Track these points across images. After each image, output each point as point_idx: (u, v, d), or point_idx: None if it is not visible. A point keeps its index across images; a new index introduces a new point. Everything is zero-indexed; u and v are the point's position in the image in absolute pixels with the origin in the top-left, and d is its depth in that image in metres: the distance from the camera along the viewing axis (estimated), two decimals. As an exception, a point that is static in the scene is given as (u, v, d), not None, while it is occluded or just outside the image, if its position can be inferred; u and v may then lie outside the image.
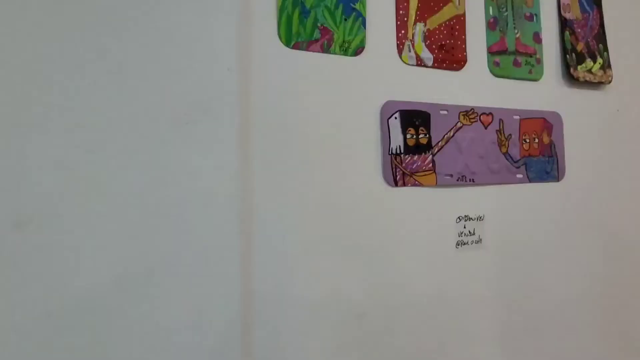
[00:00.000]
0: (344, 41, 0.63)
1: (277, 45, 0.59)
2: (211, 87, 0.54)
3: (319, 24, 0.61)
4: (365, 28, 0.65)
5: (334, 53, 0.63)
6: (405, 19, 0.68)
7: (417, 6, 0.69)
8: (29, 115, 0.47)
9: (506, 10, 0.78)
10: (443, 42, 0.71)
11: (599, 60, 0.86)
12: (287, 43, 0.60)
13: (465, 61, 0.73)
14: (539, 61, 0.80)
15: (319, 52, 0.62)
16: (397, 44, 0.67)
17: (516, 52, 0.78)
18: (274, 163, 0.58)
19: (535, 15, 0.80)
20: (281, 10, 0.59)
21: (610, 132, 0.88)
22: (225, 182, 0.55)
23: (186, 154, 0.53)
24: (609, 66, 0.87)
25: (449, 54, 0.71)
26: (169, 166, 0.52)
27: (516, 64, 0.78)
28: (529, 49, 0.79)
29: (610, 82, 0.87)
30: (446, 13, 0.72)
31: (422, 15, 0.69)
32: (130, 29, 0.52)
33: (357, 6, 0.64)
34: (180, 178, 0.53)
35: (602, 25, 0.88)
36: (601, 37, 0.88)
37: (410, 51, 0.68)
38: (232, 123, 0.55)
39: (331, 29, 0.62)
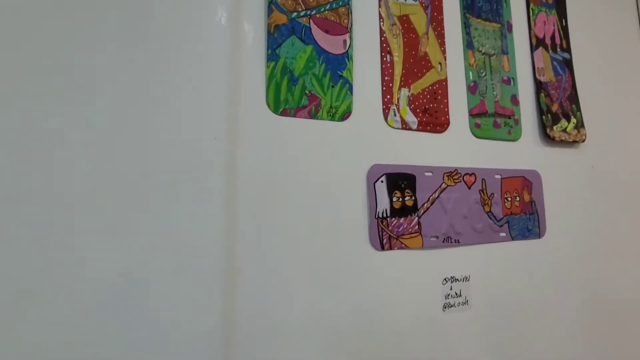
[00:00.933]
0: (331, 107, 0.64)
1: (265, 113, 0.59)
2: (198, 156, 0.54)
3: (306, 91, 0.62)
4: (352, 94, 0.66)
5: (321, 118, 0.63)
6: (391, 84, 0.70)
7: (402, 72, 0.71)
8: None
9: (485, 75, 0.81)
10: (427, 106, 0.73)
11: (573, 120, 0.90)
12: (275, 110, 0.60)
13: (448, 124, 0.74)
14: (517, 122, 0.83)
15: (306, 118, 0.62)
16: (383, 108, 0.69)
17: (495, 114, 0.80)
18: (260, 231, 0.56)
19: (513, 79, 0.84)
20: (270, 78, 0.60)
21: (586, 187, 0.91)
22: (212, 251, 0.53)
23: (173, 223, 0.51)
24: (582, 125, 0.91)
25: (432, 117, 0.73)
26: (154, 237, 0.50)
27: (496, 125, 0.80)
28: (507, 111, 0.82)
29: (584, 140, 0.90)
30: (429, 78, 0.74)
31: (407, 80, 0.71)
32: (118, 99, 0.51)
33: (345, 73, 0.65)
34: (165, 248, 0.51)
35: (574, 87, 0.93)
36: (574, 98, 0.92)
37: (395, 115, 0.69)
38: (219, 192, 0.54)
39: (319, 96, 0.63)
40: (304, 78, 0.62)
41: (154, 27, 0.54)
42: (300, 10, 0.63)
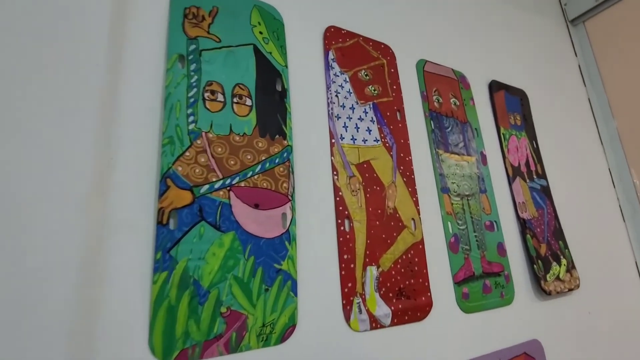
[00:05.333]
0: (263, 325, 0.39)
1: (145, 367, 0.33)
2: None
3: (223, 309, 0.37)
4: (296, 294, 0.42)
5: (249, 349, 0.38)
6: (352, 265, 0.47)
7: (366, 243, 0.49)
8: None
9: (465, 224, 0.62)
10: (402, 285, 0.50)
11: (563, 261, 0.72)
12: (166, 357, 0.34)
13: (430, 305, 0.52)
14: (508, 278, 0.63)
15: (222, 355, 0.36)
16: (343, 304, 0.45)
17: (484, 275, 0.60)
18: None
19: (495, 222, 0.66)
20: (157, 303, 0.34)
21: (586, 336, 0.72)
22: None
23: None
24: (574, 266, 0.74)
25: (410, 300, 0.50)
26: None
27: (486, 289, 0.59)
28: (496, 267, 0.62)
29: (578, 286, 0.72)
30: (401, 244, 0.53)
31: (373, 254, 0.49)
32: None
33: (285, 265, 0.42)
34: None
35: (557, 219, 0.77)
36: (559, 232, 0.75)
37: (361, 312, 0.46)
38: None
39: (244, 312, 0.38)
40: (219, 288, 0.37)
41: None
42: (214, 180, 0.40)
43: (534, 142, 0.81)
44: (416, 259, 0.53)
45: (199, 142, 0.40)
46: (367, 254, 0.49)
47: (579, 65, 1.06)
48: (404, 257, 0.52)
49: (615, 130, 1.00)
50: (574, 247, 0.76)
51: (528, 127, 0.82)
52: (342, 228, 0.48)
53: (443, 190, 0.61)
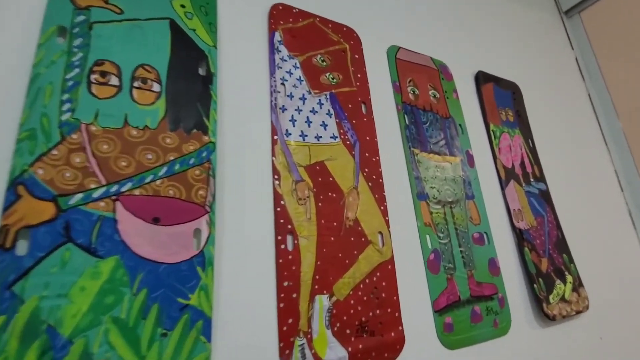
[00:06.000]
0: (158, 385, 0.28)
1: None
2: None
3: (94, 366, 0.27)
4: (210, 339, 0.31)
5: (131, 422, 0.27)
6: (294, 294, 0.37)
7: (316, 265, 0.38)
8: None
9: (448, 237, 0.51)
10: (363, 318, 0.39)
11: (569, 278, 0.61)
12: None
13: (402, 342, 0.41)
14: (503, 302, 0.52)
15: None
16: (280, 347, 0.34)
17: (472, 299, 0.49)
18: None
19: (485, 234, 0.55)
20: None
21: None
22: None
23: None
24: (581, 284, 0.63)
25: (375, 337, 0.39)
26: None
27: (475, 317, 0.48)
28: (487, 289, 0.51)
29: (587, 307, 0.61)
30: (364, 265, 0.42)
31: (325, 279, 0.39)
32: None
33: (194, 299, 0.31)
34: None
35: (559, 228, 0.66)
36: (562, 244, 0.64)
37: (304, 358, 0.35)
38: None
39: (127, 368, 0.27)
40: (88, 336, 0.27)
41: None
42: (93, 187, 0.30)
43: (529, 141, 0.70)
44: (383, 283, 0.42)
45: (74, 136, 0.30)
46: (317, 279, 0.38)
47: (576, 59, 0.96)
48: (367, 281, 0.41)
49: (619, 128, 0.89)
50: (580, 260, 0.65)
51: (522, 124, 0.71)
52: (282, 246, 0.37)
53: (419, 196, 0.50)
